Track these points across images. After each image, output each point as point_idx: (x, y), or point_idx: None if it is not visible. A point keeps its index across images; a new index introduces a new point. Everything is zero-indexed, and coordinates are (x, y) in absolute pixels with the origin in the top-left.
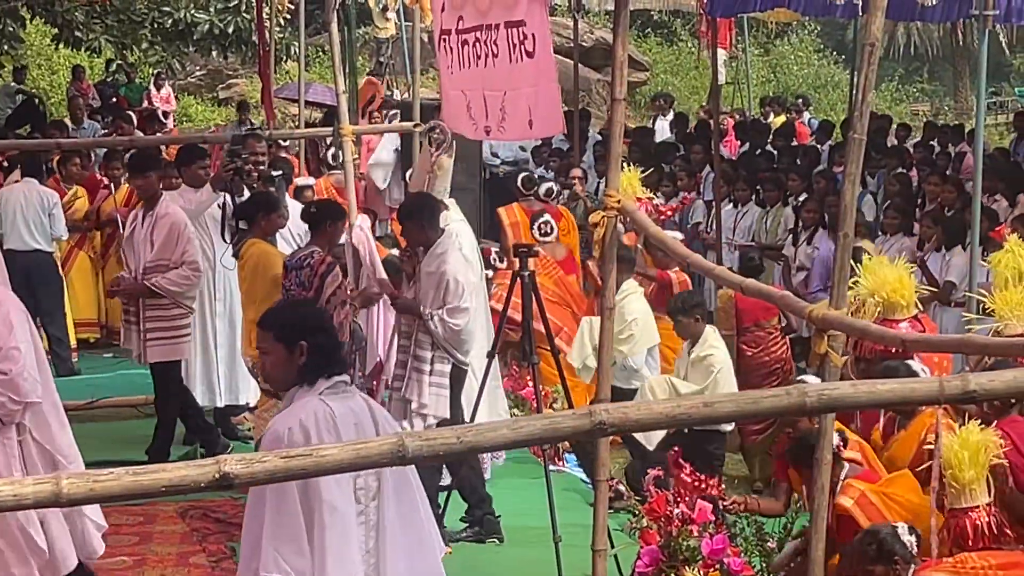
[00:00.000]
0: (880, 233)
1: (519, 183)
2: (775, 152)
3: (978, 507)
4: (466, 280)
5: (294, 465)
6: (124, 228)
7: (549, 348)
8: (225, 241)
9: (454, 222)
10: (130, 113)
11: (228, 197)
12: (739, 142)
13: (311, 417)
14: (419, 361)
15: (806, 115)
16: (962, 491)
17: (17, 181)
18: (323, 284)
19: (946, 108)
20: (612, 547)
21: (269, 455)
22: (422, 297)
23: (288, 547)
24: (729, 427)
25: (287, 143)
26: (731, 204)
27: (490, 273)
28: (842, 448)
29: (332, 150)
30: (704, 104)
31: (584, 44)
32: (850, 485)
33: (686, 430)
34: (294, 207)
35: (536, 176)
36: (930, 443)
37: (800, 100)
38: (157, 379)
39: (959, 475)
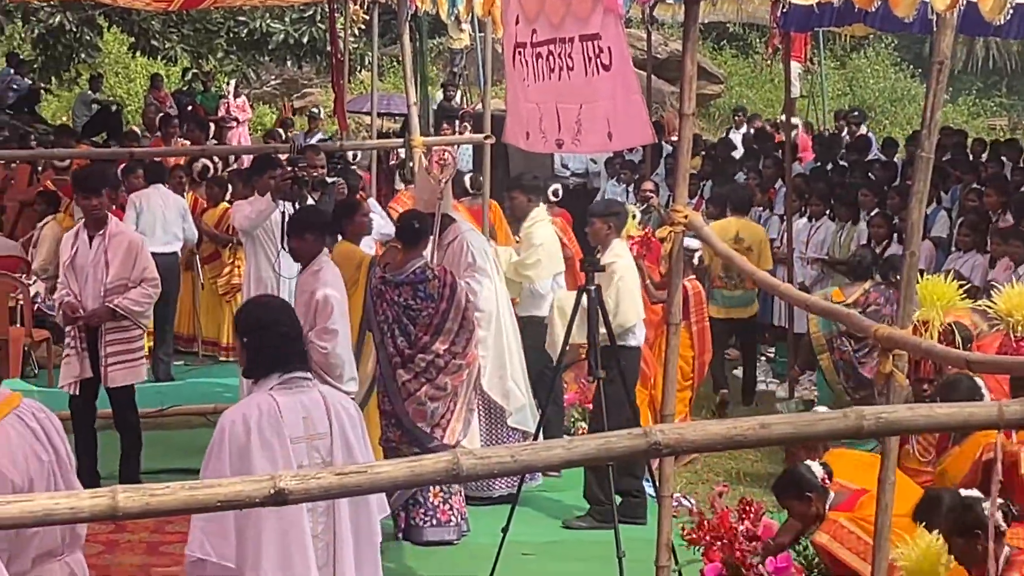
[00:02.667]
0: (954, 249)
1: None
2: (847, 166)
3: None
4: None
5: (348, 482)
6: (64, 250)
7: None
8: (284, 249)
9: (464, 232)
10: (209, 122)
11: (287, 206)
12: (814, 155)
13: (254, 411)
14: None
15: (863, 128)
16: None
17: (143, 185)
18: (454, 293)
19: None
20: (676, 563)
21: (324, 473)
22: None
23: (214, 530)
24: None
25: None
26: (805, 218)
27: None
28: (827, 480)
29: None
30: (779, 117)
31: (658, 56)
32: (826, 519)
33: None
34: None
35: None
36: (986, 459)
37: (856, 113)
38: (119, 403)
39: None
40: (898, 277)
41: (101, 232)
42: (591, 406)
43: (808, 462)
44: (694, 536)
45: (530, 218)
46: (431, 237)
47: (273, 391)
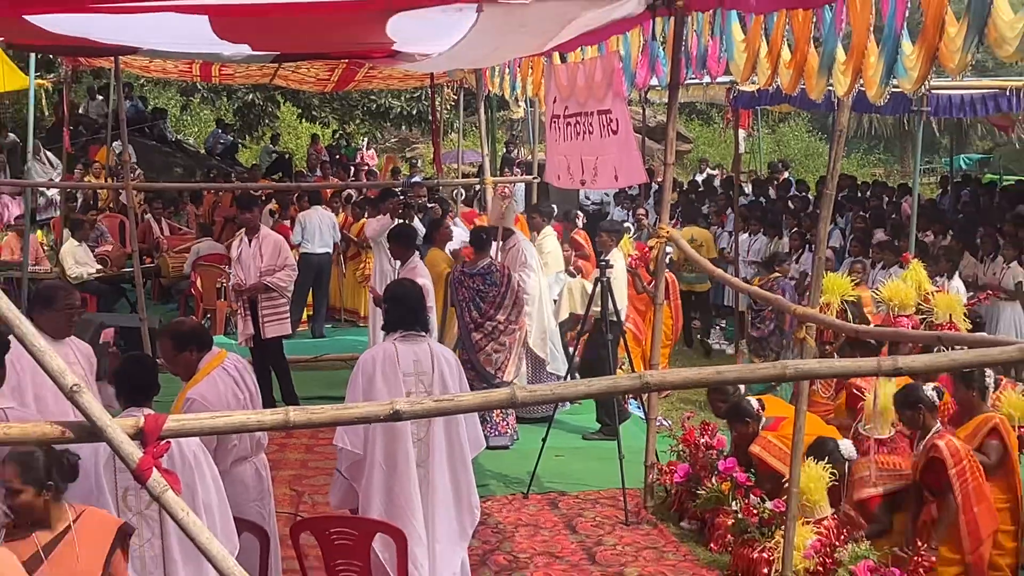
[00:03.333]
0: (847, 255)
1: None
2: (775, 198)
3: (825, 518)
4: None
5: (442, 406)
6: (232, 251)
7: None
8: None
9: (520, 241)
10: (350, 166)
11: (401, 223)
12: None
13: (379, 353)
14: None
15: (786, 173)
16: (813, 507)
17: (307, 207)
18: (510, 282)
19: (895, 171)
20: (659, 462)
21: (425, 399)
22: None
23: (349, 428)
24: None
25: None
26: (747, 234)
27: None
28: (760, 411)
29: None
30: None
31: (649, 124)
32: (759, 435)
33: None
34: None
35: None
36: (988, 435)
37: (781, 163)
38: (272, 351)
39: (811, 498)
40: (778, 268)
41: (256, 235)
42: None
43: (747, 397)
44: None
45: (542, 233)
46: (495, 244)
47: (395, 341)
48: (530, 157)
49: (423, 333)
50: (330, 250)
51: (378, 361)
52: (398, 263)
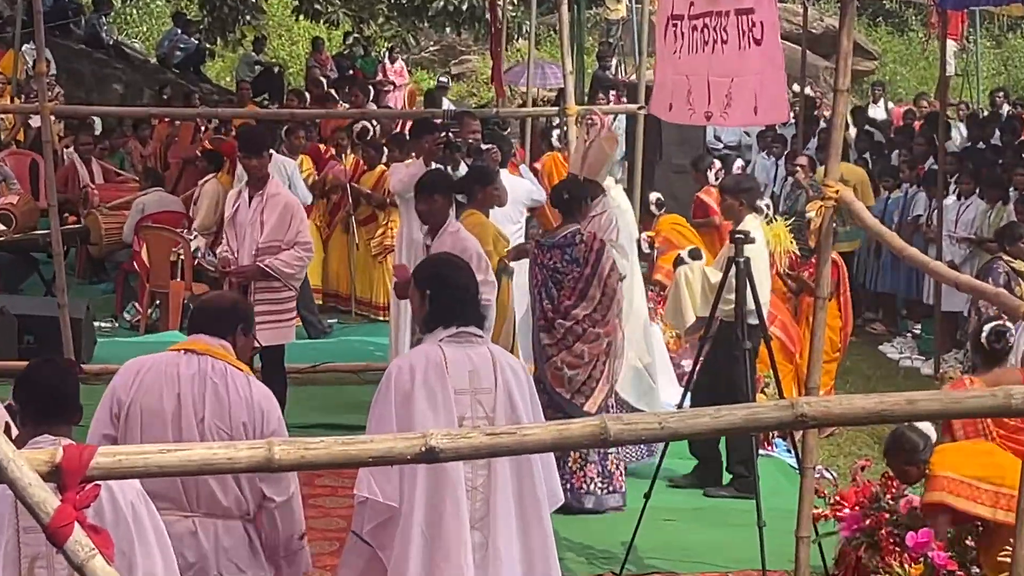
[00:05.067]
0: None
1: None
2: (1000, 146)
3: None
4: None
5: (498, 442)
6: (227, 207)
7: (762, 334)
8: None
9: (611, 208)
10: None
11: (435, 171)
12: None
13: (421, 360)
14: None
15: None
16: None
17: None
18: (599, 260)
19: None
20: (816, 534)
21: (473, 432)
22: None
23: (378, 472)
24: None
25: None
26: (954, 197)
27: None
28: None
29: (556, 131)
30: (933, 96)
31: (813, 31)
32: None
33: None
34: (512, 183)
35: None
36: None
37: (1004, 93)
38: (267, 362)
39: None
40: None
41: (260, 192)
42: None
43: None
44: (837, 509)
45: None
46: (587, 204)
47: (442, 343)
48: (634, 76)
49: (480, 333)
50: None
51: (418, 372)
52: (425, 230)
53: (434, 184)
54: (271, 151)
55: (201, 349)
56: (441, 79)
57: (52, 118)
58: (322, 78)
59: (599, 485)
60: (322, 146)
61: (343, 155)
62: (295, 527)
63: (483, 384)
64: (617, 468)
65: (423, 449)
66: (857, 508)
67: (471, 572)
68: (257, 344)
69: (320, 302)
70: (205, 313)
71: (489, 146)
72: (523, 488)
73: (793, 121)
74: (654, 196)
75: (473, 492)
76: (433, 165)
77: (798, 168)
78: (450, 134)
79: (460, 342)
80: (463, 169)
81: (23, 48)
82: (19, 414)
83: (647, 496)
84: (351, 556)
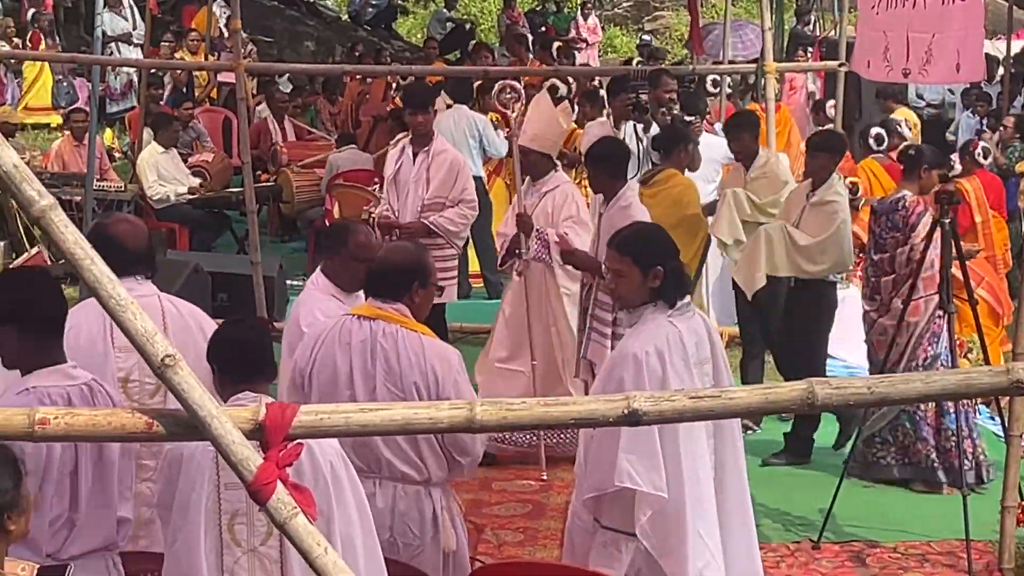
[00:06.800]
0: None
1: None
2: None
3: None
4: None
5: (703, 406)
6: (388, 165)
7: (967, 297)
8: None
9: (565, 183)
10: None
11: (634, 128)
12: None
13: (664, 341)
14: (599, 322)
15: None
16: None
17: (449, 106)
18: (915, 226)
19: None
20: None
21: (677, 395)
22: (603, 251)
23: (641, 459)
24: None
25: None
26: None
27: None
28: None
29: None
30: None
31: None
32: None
33: None
34: (708, 141)
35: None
36: None
37: None
38: (428, 322)
39: None
40: None
41: (425, 149)
42: None
43: None
44: None
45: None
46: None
47: (671, 318)
48: (835, 32)
49: (690, 304)
50: (475, 170)
51: (666, 354)
52: (600, 198)
53: (604, 154)
54: (460, 104)
55: (371, 314)
56: (644, 36)
57: (246, 75)
58: (526, 35)
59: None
60: None
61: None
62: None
63: (704, 354)
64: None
65: (625, 411)
66: None
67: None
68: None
69: None
70: (378, 276)
71: (692, 118)
72: (739, 455)
73: (998, 79)
74: (875, 131)
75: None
76: (622, 127)
77: (1008, 127)
78: (640, 94)
79: (683, 314)
80: (655, 130)
81: (216, 6)
82: (216, 373)
83: (846, 462)
84: (609, 551)
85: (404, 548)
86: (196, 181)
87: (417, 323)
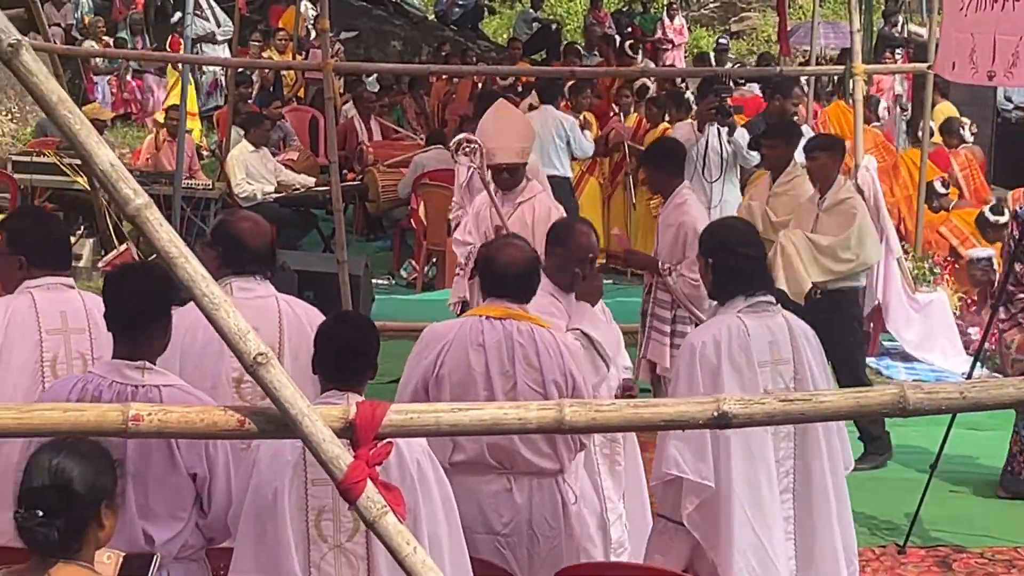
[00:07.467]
0: None
1: None
2: None
3: None
4: None
5: (792, 408)
6: (459, 173)
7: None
8: (712, 179)
9: (541, 193)
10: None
11: (718, 131)
12: None
13: (724, 333)
14: (659, 321)
15: None
16: None
17: (534, 107)
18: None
19: None
20: None
21: (768, 398)
22: (660, 250)
23: (690, 448)
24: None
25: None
26: None
27: None
28: None
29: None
30: None
31: None
32: None
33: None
34: None
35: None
36: None
37: None
38: None
39: None
40: None
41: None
42: None
43: None
44: None
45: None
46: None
47: (741, 313)
48: (923, 34)
49: (774, 301)
50: (562, 171)
51: (723, 346)
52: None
53: (664, 152)
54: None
55: (501, 314)
56: (721, 40)
57: (334, 75)
58: (615, 36)
59: None
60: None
61: (626, 113)
62: None
63: (782, 355)
64: None
65: (715, 414)
66: None
67: (791, 546)
68: None
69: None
70: (507, 279)
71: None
72: (835, 460)
73: None
74: (967, 120)
75: (776, 465)
76: (708, 127)
77: None
78: (721, 98)
79: (757, 311)
80: (740, 133)
81: (304, 5)
82: (317, 370)
83: (933, 467)
84: (663, 540)
85: (543, 540)
86: (282, 179)
87: (544, 321)
